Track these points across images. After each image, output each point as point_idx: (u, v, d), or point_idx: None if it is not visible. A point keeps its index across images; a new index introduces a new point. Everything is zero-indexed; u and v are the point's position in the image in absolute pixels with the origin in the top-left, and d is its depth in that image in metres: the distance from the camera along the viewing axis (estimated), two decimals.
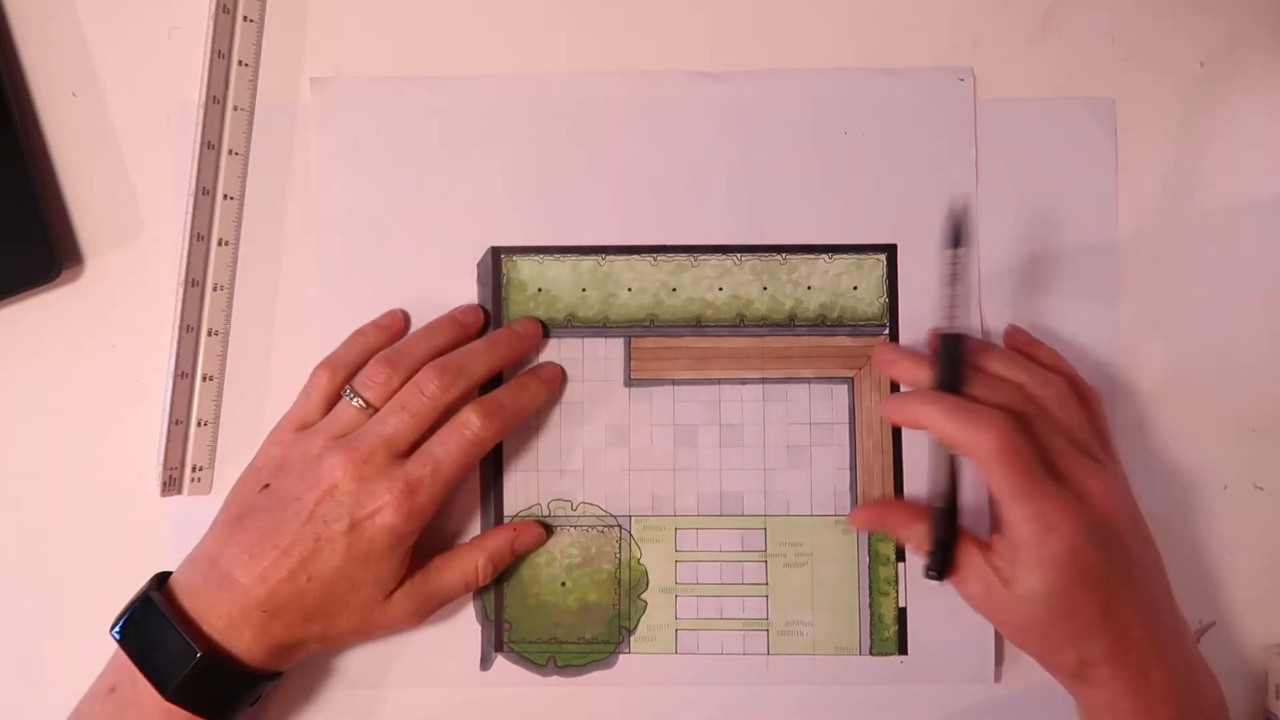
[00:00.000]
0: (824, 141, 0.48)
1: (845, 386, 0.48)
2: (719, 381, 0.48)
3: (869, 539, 0.47)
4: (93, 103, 0.49)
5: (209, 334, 0.48)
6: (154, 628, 0.41)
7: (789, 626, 0.47)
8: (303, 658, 0.45)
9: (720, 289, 0.48)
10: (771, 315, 0.48)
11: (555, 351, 0.48)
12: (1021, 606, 0.40)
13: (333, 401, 0.45)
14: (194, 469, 0.48)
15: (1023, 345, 0.46)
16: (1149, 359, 0.48)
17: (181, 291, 0.47)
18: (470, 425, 0.43)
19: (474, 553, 0.46)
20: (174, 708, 0.41)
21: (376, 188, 0.48)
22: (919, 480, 0.47)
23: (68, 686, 0.43)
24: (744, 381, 0.48)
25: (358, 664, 0.47)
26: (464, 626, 0.47)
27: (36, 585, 0.48)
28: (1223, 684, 0.42)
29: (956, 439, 0.40)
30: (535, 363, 0.48)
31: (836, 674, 0.47)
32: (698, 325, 0.48)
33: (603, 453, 0.48)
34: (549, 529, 0.48)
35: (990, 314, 0.48)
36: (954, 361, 0.42)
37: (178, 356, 0.47)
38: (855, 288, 0.48)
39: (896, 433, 0.48)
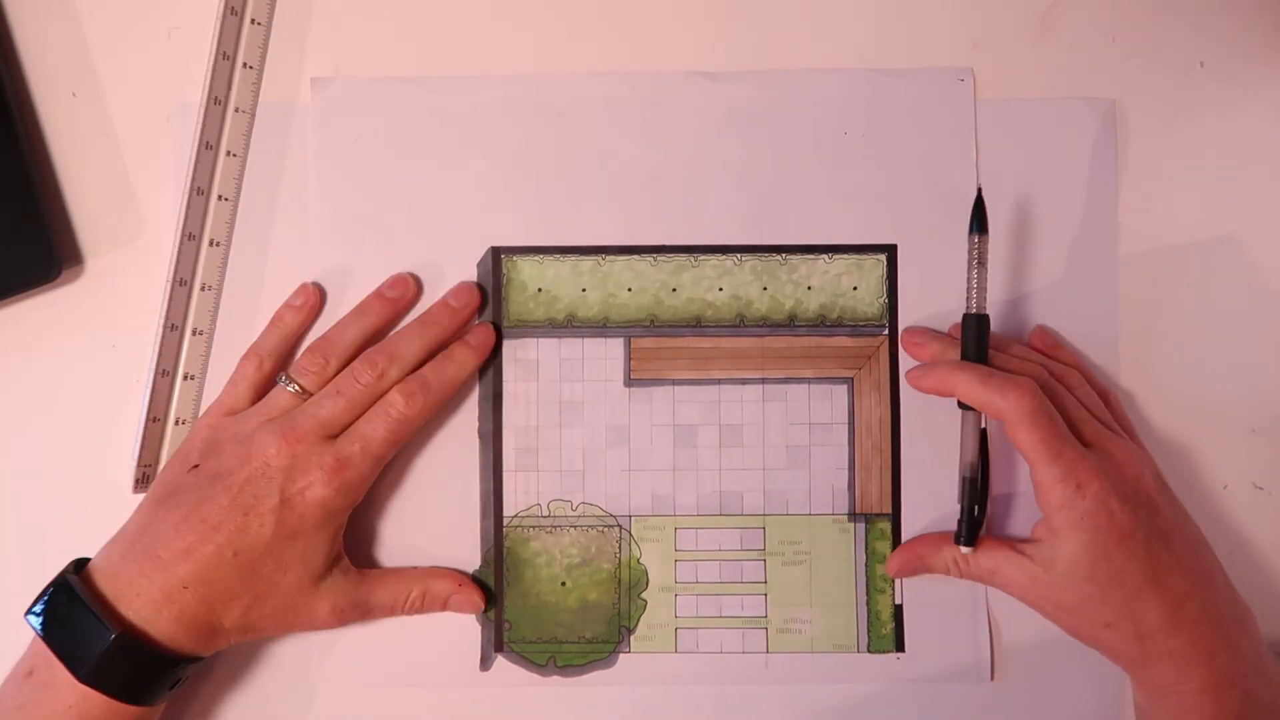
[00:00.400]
0: (824, 141, 0.48)
1: (845, 387, 0.48)
2: (719, 382, 0.48)
3: (866, 537, 0.48)
4: (93, 103, 0.48)
5: (194, 333, 0.48)
6: (69, 611, 0.41)
7: (787, 624, 0.48)
8: (223, 646, 0.44)
9: (720, 289, 0.48)
10: (771, 315, 0.48)
11: (555, 351, 0.48)
12: (1068, 585, 0.41)
13: (260, 390, 0.46)
14: None
15: (1049, 348, 0.47)
16: (1149, 359, 0.48)
17: (169, 290, 0.47)
18: (395, 405, 0.44)
19: (413, 582, 0.46)
20: (90, 691, 0.40)
21: (376, 188, 0.48)
22: (918, 481, 0.47)
23: None
24: (744, 382, 0.48)
25: (358, 664, 0.47)
26: (464, 626, 0.48)
27: (37, 586, 0.48)
28: None
29: (987, 402, 0.42)
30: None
31: (834, 671, 0.47)
32: (698, 325, 0.48)
33: (603, 453, 0.48)
34: (488, 592, 0.47)
35: (990, 313, 0.48)
36: (981, 341, 0.44)
37: (160, 354, 0.47)
38: (855, 288, 0.48)
39: (896, 433, 0.48)
